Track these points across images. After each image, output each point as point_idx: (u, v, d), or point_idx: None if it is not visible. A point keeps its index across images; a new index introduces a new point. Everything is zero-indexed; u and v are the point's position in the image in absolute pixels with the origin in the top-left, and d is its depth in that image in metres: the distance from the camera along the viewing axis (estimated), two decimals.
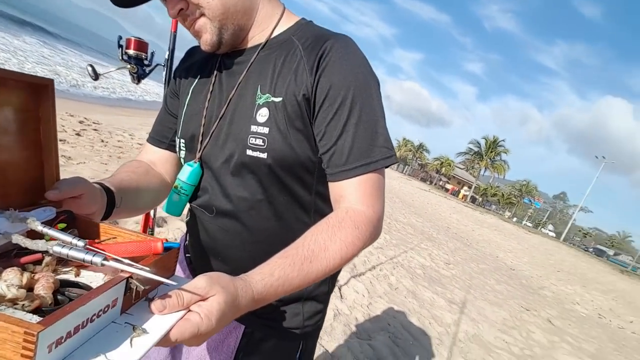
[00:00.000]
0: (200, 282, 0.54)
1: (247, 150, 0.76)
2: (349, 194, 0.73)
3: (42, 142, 0.66)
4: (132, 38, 1.77)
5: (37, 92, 0.64)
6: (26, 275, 0.48)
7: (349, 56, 0.75)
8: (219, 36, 0.77)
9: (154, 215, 1.73)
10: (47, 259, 0.55)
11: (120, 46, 1.73)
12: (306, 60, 0.74)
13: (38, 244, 0.52)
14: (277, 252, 0.82)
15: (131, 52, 1.74)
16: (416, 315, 3.87)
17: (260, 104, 0.76)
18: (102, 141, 5.90)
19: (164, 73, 1.81)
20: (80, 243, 0.53)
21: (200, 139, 0.83)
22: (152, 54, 1.80)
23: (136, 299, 0.54)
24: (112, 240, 0.64)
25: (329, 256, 0.67)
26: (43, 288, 0.47)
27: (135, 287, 0.51)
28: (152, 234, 1.76)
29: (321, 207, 0.83)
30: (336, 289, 3.73)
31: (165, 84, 1.80)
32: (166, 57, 1.81)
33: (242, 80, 0.80)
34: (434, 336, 3.55)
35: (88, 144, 5.44)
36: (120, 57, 1.73)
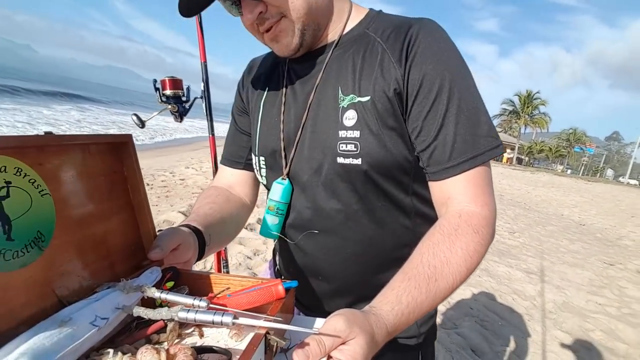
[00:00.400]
0: (339, 324, 0.48)
1: (338, 158, 0.70)
2: (457, 193, 0.66)
3: (133, 202, 0.63)
4: (166, 78, 1.78)
5: (119, 151, 0.61)
6: (162, 352, 0.44)
7: (439, 41, 0.68)
8: (301, 38, 0.71)
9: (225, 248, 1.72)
10: (170, 325, 0.51)
11: (157, 89, 1.74)
12: (391, 52, 0.68)
13: (162, 313, 0.49)
14: (383, 262, 0.76)
15: (168, 92, 1.74)
16: (496, 293, 3.68)
17: (345, 106, 0.70)
18: (148, 184, 6.12)
19: (203, 105, 1.80)
20: (203, 304, 0.49)
21: (283, 153, 0.78)
22: (188, 89, 1.80)
23: (275, 354, 0.49)
24: (225, 291, 0.60)
25: (453, 270, 0.60)
26: None
27: (275, 344, 0.46)
28: (227, 268, 1.75)
29: (421, 208, 0.77)
30: None
31: (206, 114, 1.79)
32: (202, 88, 1.81)
33: (319, 83, 0.74)
34: (521, 312, 3.35)
35: None
36: (160, 100, 1.74)
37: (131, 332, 0.52)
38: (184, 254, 0.69)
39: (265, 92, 0.84)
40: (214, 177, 1.84)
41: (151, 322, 0.52)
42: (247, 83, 0.91)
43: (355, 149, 0.68)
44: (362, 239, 0.75)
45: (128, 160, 0.62)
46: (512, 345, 2.79)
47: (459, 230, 0.62)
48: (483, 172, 0.66)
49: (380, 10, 0.78)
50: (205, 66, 1.82)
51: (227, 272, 1.60)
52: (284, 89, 0.79)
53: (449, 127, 0.65)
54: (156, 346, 0.46)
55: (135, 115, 1.68)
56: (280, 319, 0.47)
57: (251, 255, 3.62)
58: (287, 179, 0.78)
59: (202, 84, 1.80)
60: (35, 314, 0.44)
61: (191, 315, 0.47)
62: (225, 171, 0.97)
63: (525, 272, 4.46)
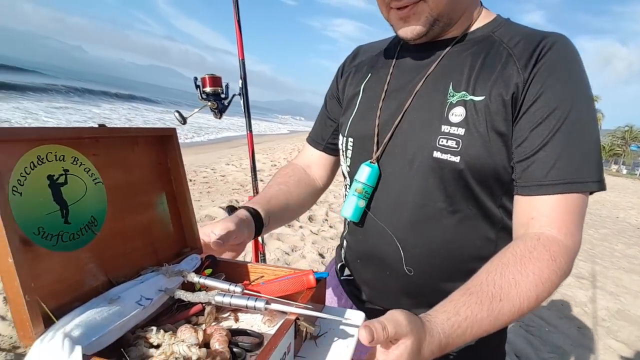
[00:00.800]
0: (401, 317, 0.47)
1: (435, 152, 0.67)
2: (543, 215, 0.61)
3: (176, 193, 0.66)
4: (206, 76, 1.84)
5: (164, 144, 0.65)
6: (200, 332, 0.46)
7: (570, 60, 0.65)
8: (430, 27, 0.69)
9: (262, 240, 1.76)
10: (208, 308, 0.54)
11: (197, 87, 1.81)
12: (517, 57, 0.66)
13: (200, 296, 0.51)
14: (455, 271, 0.72)
15: (208, 89, 1.81)
16: None
17: (454, 102, 0.68)
18: (190, 180, 6.36)
19: (241, 102, 1.85)
20: (238, 289, 0.51)
21: (375, 139, 0.75)
22: (227, 86, 1.86)
23: (304, 340, 0.51)
24: (260, 279, 0.62)
25: (521, 294, 0.56)
26: (219, 343, 0.45)
27: (305, 329, 0.47)
28: (264, 260, 1.79)
29: (508, 223, 0.71)
30: None
31: (244, 111, 1.84)
32: (240, 85, 1.86)
33: (430, 74, 0.72)
34: (570, 318, 3.17)
35: None
36: (200, 97, 1.81)
37: (172, 313, 0.56)
38: (237, 241, 0.72)
39: (368, 77, 0.83)
40: (252, 174, 1.90)
41: (190, 305, 0.55)
42: (348, 68, 0.90)
43: (456, 146, 0.65)
44: (439, 240, 0.71)
45: (172, 153, 0.66)
46: (560, 352, 2.66)
47: (534, 253, 0.58)
48: (579, 202, 0.61)
49: (509, 18, 0.76)
50: (243, 63, 1.86)
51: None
52: (389, 76, 0.78)
53: (555, 146, 0.61)
54: (194, 326, 0.48)
55: (178, 112, 1.76)
56: (310, 306, 0.48)
57: (289, 251, 3.68)
58: (375, 163, 0.75)
59: (240, 81, 1.86)
60: (88, 292, 0.47)
61: (227, 300, 0.49)
62: (307, 150, 1.00)
63: (575, 277, 4.22)
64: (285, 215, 0.90)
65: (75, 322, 0.40)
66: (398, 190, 0.72)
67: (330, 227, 4.72)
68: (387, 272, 0.77)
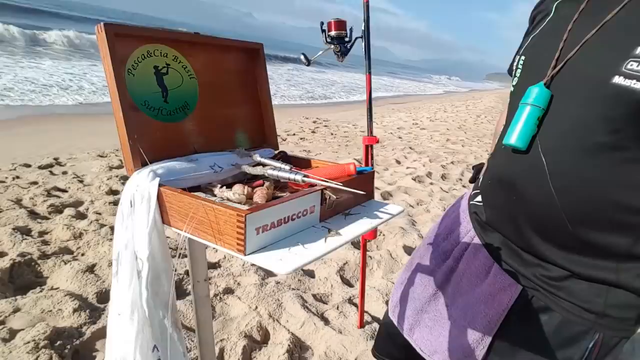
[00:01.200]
0: None
1: (616, 77, 0.60)
2: None
3: (260, 98, 0.79)
4: (332, 20, 1.93)
5: (251, 56, 0.77)
6: (247, 189, 0.58)
7: None
8: None
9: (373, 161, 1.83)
10: (266, 184, 0.66)
11: (323, 31, 1.92)
12: None
13: (257, 170, 0.63)
14: (599, 219, 0.65)
15: (333, 33, 1.90)
16: None
17: None
18: (332, 134, 6.75)
19: (363, 44, 1.89)
20: (287, 167, 0.61)
21: (554, 62, 0.68)
22: (351, 29, 1.92)
23: (332, 211, 0.58)
24: (314, 169, 0.71)
25: None
26: (259, 197, 0.56)
27: (328, 197, 0.55)
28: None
29: None
30: None
31: (365, 52, 1.89)
32: (362, 28, 1.89)
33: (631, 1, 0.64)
34: None
35: (321, 138, 6.34)
36: (325, 41, 1.92)
37: (240, 184, 0.70)
38: None
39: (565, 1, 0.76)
40: (368, 114, 1.95)
41: (254, 179, 0.67)
42: None
43: None
44: (589, 177, 0.64)
45: (259, 64, 0.78)
46: None
47: None
48: None
49: None
50: (367, 6, 1.88)
51: None
52: (585, 3, 0.70)
53: None
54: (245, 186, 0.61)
55: (303, 54, 1.92)
56: (341, 184, 0.55)
57: (414, 204, 3.67)
58: (546, 86, 0.69)
59: (363, 24, 1.89)
60: (175, 153, 0.64)
61: (275, 172, 0.60)
62: None
63: None
64: None
65: (160, 165, 0.56)
66: (554, 117, 0.67)
67: (464, 186, 4.47)
68: (521, 200, 0.71)
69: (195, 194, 0.54)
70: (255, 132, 0.79)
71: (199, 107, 0.68)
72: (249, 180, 0.69)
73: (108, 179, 3.21)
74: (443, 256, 0.90)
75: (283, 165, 0.62)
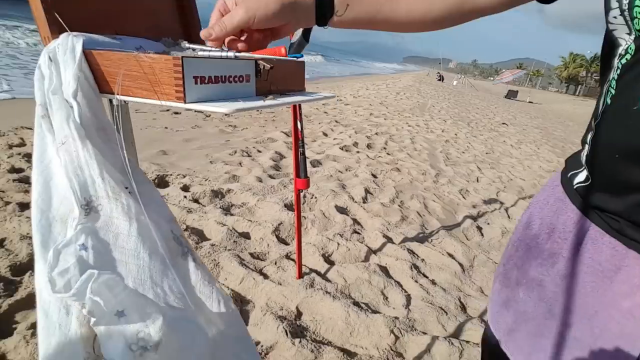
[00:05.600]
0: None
1: None
2: None
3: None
4: None
5: None
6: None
7: None
8: None
9: (302, 127, 1.85)
10: None
11: None
12: None
13: (187, 52, 0.61)
14: None
15: None
16: None
17: None
18: (257, 110, 6.66)
19: None
20: (216, 46, 0.60)
21: None
22: None
23: (267, 89, 0.59)
24: None
25: None
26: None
27: (263, 67, 0.56)
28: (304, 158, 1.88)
29: None
30: None
31: None
32: None
33: None
34: None
35: (247, 114, 6.23)
36: None
37: None
38: (276, 23, 0.57)
39: None
40: None
41: None
42: None
43: None
44: None
45: None
46: None
47: None
48: None
49: None
50: None
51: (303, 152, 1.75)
52: None
53: None
54: None
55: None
56: (271, 56, 0.56)
57: (343, 170, 3.80)
58: None
59: None
60: (96, 32, 0.60)
61: (207, 53, 0.59)
62: None
63: None
64: (383, 10, 0.61)
65: (82, 34, 0.52)
66: None
67: (388, 154, 4.73)
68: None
69: None
70: (178, 28, 0.76)
71: None
72: None
73: (9, 157, 2.85)
74: (550, 260, 0.66)
75: (213, 47, 0.61)
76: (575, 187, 0.63)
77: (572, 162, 0.66)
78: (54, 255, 0.30)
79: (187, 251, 0.41)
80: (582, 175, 0.61)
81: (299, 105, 1.67)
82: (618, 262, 0.56)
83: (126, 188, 0.37)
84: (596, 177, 0.58)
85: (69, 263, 0.30)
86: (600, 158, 0.57)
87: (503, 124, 10.05)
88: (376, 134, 5.76)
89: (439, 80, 31.94)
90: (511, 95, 27.59)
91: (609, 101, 0.53)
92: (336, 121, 6.37)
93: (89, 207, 0.34)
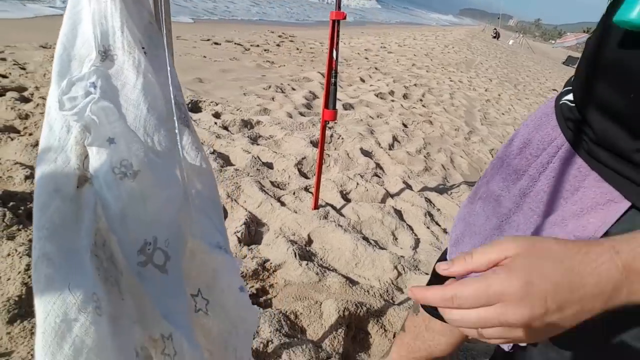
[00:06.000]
0: (509, 239, 0.37)
1: None
2: None
3: None
4: None
5: None
6: None
7: None
8: None
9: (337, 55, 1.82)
10: None
11: None
12: None
13: None
14: None
15: None
16: None
17: None
18: (297, 49, 6.53)
19: None
20: None
21: None
22: None
23: None
24: None
25: None
26: None
27: None
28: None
29: None
30: None
31: None
32: None
33: None
34: None
35: (286, 51, 6.12)
36: None
37: None
38: None
39: None
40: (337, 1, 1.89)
41: None
42: None
43: None
44: None
45: None
46: None
47: None
48: None
49: None
50: None
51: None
52: None
53: None
54: None
55: None
56: None
57: (374, 116, 3.75)
58: None
59: None
60: None
61: None
62: None
63: None
64: None
65: None
66: None
67: (424, 106, 4.59)
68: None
69: None
70: None
71: None
72: None
73: None
74: (514, 176, 0.65)
75: None
76: (561, 102, 0.62)
77: (569, 81, 0.64)
78: (68, 84, 0.35)
79: (185, 118, 0.45)
80: (571, 95, 0.60)
81: (338, 31, 1.61)
82: (578, 183, 0.54)
83: (142, 48, 0.41)
84: (577, 95, 0.57)
85: (78, 94, 0.35)
86: (580, 75, 0.56)
87: (553, 90, 9.41)
88: (415, 85, 5.56)
89: (494, 37, 29.67)
90: (570, 62, 25.27)
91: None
92: (376, 68, 6.17)
93: (105, 55, 0.38)
